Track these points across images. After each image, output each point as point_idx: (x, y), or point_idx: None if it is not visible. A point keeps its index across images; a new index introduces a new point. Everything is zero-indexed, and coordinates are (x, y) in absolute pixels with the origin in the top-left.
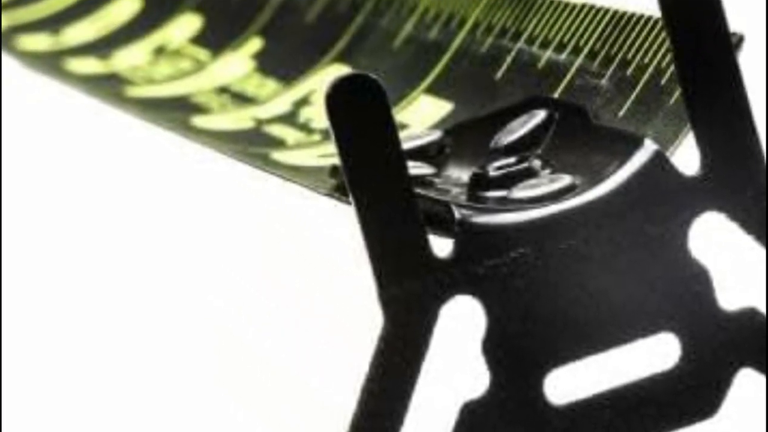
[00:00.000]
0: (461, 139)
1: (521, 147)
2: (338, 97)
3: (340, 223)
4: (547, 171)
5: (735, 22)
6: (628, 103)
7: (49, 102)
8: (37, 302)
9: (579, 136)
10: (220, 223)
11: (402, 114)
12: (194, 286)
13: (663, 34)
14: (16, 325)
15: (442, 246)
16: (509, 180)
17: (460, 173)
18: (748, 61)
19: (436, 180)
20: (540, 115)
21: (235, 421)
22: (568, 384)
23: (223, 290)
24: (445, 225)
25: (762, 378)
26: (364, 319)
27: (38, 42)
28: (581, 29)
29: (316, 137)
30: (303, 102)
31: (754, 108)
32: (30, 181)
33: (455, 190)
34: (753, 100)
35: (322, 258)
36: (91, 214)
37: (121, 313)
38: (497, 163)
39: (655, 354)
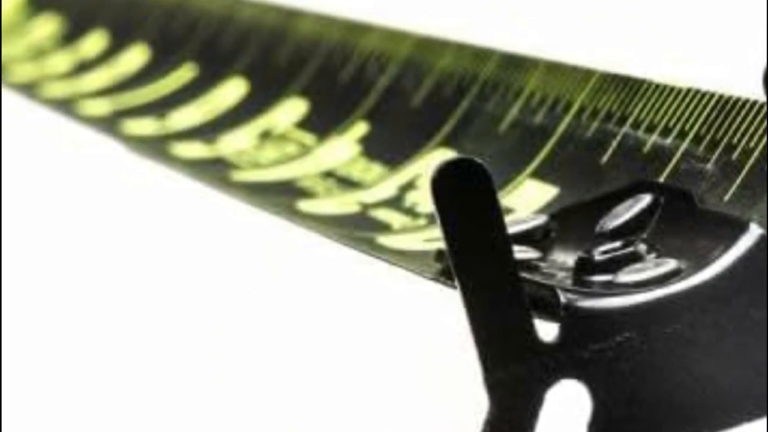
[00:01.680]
0: (567, 223)
1: (627, 231)
2: (444, 182)
3: (446, 308)
4: (653, 255)
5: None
6: (734, 187)
7: (155, 188)
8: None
9: (684, 220)
10: (326, 307)
11: (507, 198)
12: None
13: None
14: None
15: (547, 330)
16: (615, 264)
17: (566, 257)
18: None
19: (542, 264)
20: (645, 199)
21: None
22: None
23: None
24: (550, 309)
25: None
26: (470, 403)
27: (144, 126)
28: (687, 113)
29: (422, 221)
30: (408, 186)
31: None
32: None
33: (561, 275)
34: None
35: (428, 342)
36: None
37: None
38: (603, 248)
39: None
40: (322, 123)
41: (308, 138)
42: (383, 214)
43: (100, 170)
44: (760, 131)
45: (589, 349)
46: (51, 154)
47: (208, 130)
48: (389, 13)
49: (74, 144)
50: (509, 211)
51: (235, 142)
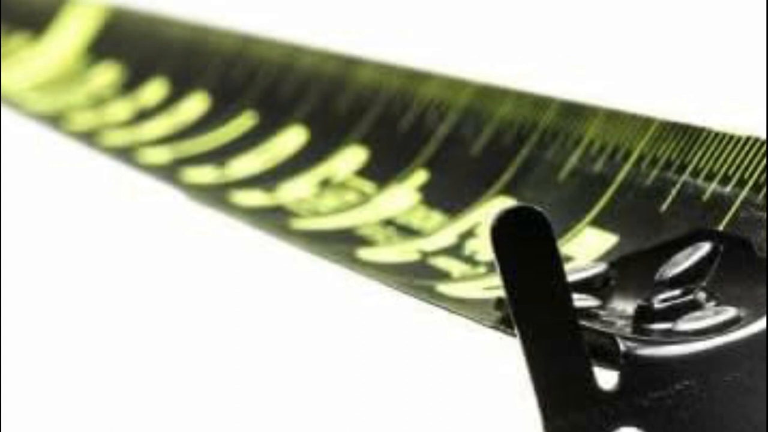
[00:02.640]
0: (626, 271)
1: (686, 279)
2: (503, 229)
3: (506, 356)
4: (712, 303)
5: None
6: None
7: (215, 237)
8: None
9: (744, 268)
10: (386, 355)
11: (567, 246)
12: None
13: None
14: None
15: (607, 378)
16: (674, 312)
17: (625, 305)
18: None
19: (601, 312)
20: (705, 247)
21: None
22: None
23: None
24: (610, 357)
25: None
26: None
27: (204, 174)
28: (746, 162)
29: (482, 269)
30: (468, 234)
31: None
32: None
33: (620, 323)
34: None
35: (487, 390)
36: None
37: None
38: (662, 296)
39: None
40: (382, 171)
41: (368, 186)
42: (443, 262)
43: (161, 218)
44: None
45: (649, 397)
46: (111, 202)
47: (268, 178)
48: (449, 62)
49: (134, 192)
50: (569, 259)
51: (295, 190)
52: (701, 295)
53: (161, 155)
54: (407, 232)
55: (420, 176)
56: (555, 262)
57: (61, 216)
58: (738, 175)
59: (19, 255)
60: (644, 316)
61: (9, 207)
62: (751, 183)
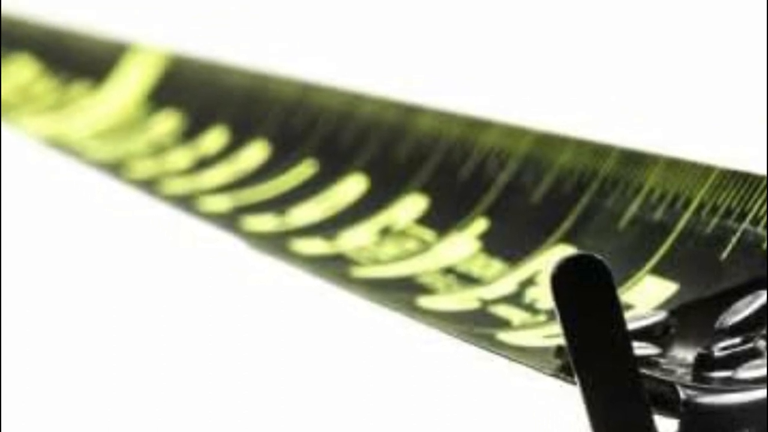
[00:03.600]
0: (686, 319)
1: (746, 327)
2: (563, 277)
3: (566, 404)
4: None
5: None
6: None
7: (276, 285)
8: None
9: None
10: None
11: (627, 294)
12: None
13: None
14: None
15: (667, 426)
16: (734, 360)
17: (685, 353)
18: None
19: (662, 360)
20: (765, 295)
21: None
22: None
23: None
24: (670, 405)
25: None
26: None
27: (264, 223)
28: None
29: (542, 318)
30: (528, 282)
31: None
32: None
33: (680, 371)
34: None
35: None
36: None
37: None
38: (722, 344)
39: None
40: (442, 219)
41: (428, 234)
42: (503, 311)
43: (221, 267)
44: None
45: None
46: (172, 250)
47: (328, 227)
48: (509, 110)
49: (194, 240)
50: (629, 307)
51: (355, 239)
52: (761, 344)
53: (221, 203)
54: (467, 280)
55: (480, 224)
56: (615, 310)
57: (123, 264)
58: None
59: (82, 302)
60: (704, 364)
61: (71, 254)
62: None
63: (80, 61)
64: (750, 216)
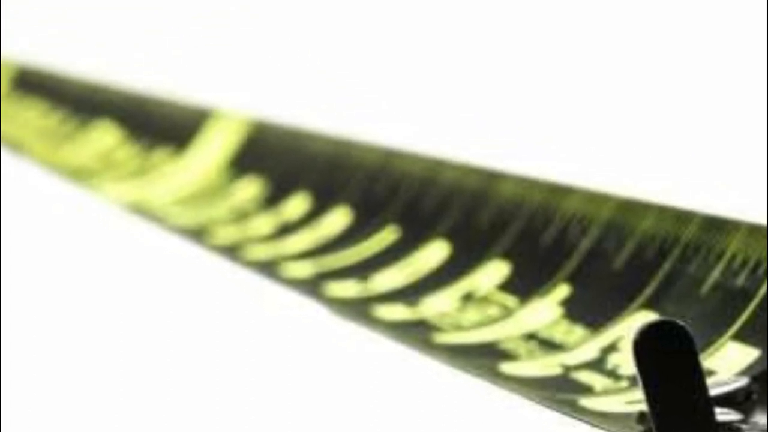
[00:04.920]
0: None
1: None
2: (645, 343)
3: None
4: None
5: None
6: None
7: (358, 350)
8: None
9: None
10: None
11: (709, 360)
12: None
13: None
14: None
15: None
16: None
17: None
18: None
19: (744, 426)
20: None
21: None
22: None
23: None
24: None
25: None
26: None
27: (347, 289)
28: None
29: (624, 383)
30: (610, 348)
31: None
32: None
33: None
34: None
35: None
36: None
37: None
38: None
39: None
40: (524, 285)
41: (510, 300)
42: (585, 376)
43: (303, 333)
44: None
45: None
46: (254, 316)
47: (410, 293)
48: (591, 176)
49: (277, 306)
50: (711, 373)
51: (437, 304)
52: None
53: (304, 269)
54: (549, 346)
55: (562, 290)
56: (697, 375)
57: (205, 330)
58: None
59: (168, 367)
60: None
61: (155, 321)
62: None
63: (162, 127)
64: None
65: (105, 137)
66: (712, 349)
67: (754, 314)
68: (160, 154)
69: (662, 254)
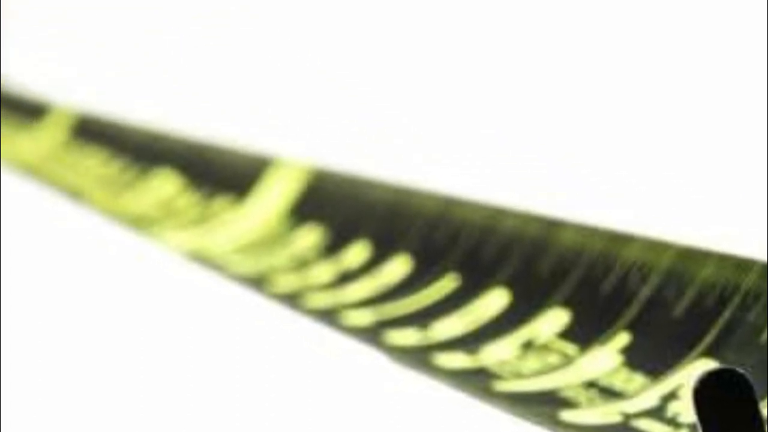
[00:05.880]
0: None
1: None
2: (705, 391)
3: None
4: None
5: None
6: None
7: (417, 398)
8: None
9: None
10: None
11: None
12: None
13: None
14: None
15: None
16: None
17: None
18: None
19: None
20: None
21: None
22: None
23: None
24: None
25: None
26: None
27: (407, 337)
28: None
29: (684, 431)
30: (671, 396)
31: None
32: None
33: None
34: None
35: None
36: None
37: None
38: None
39: None
40: (584, 333)
41: (570, 348)
42: (645, 424)
43: (364, 380)
44: None
45: None
46: (314, 363)
47: (470, 341)
48: (651, 224)
49: (337, 354)
50: None
51: (497, 352)
52: None
53: (364, 317)
54: (610, 393)
55: (622, 338)
56: (758, 424)
57: (264, 378)
58: None
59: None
60: None
61: (216, 369)
62: None
63: (223, 175)
64: None
65: (165, 185)
66: None
67: None
68: (220, 202)
69: (722, 302)
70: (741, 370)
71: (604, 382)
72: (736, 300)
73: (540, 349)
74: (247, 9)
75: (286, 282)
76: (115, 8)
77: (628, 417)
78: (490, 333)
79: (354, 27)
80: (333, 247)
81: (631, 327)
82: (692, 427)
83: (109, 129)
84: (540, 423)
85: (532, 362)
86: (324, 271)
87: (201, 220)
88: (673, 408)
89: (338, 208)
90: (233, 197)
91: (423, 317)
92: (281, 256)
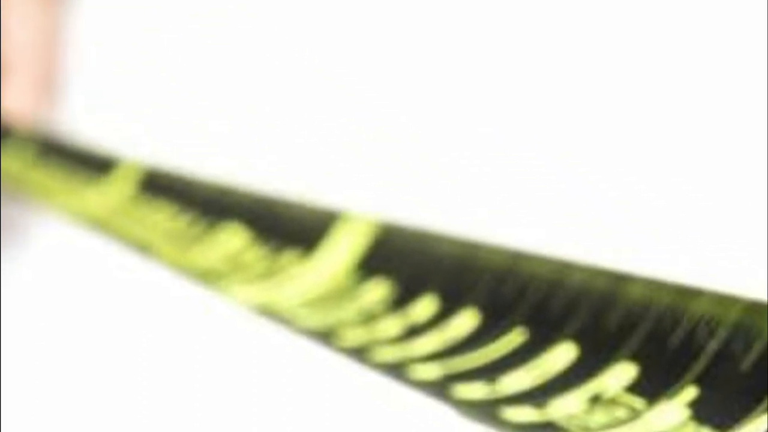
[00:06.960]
0: None
1: None
2: None
3: None
4: None
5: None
6: None
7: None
8: None
9: None
10: None
11: None
12: None
13: None
14: None
15: None
16: None
17: None
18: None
19: None
20: None
21: None
22: None
23: None
24: None
25: None
26: None
27: (475, 391)
28: None
29: None
30: None
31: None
32: None
33: None
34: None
35: None
36: None
37: None
38: None
39: None
40: (651, 387)
41: (638, 402)
42: None
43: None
44: None
45: None
46: (382, 417)
47: (538, 395)
48: (719, 278)
49: (405, 409)
50: None
51: (565, 406)
52: None
53: (431, 371)
54: None
55: (690, 392)
56: None
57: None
58: None
59: None
60: None
61: (286, 423)
62: None
63: (290, 229)
64: None
65: (233, 239)
66: None
67: None
68: (288, 256)
69: None
70: None
71: None
72: None
73: (607, 403)
74: (324, 70)
75: (354, 336)
76: (182, 62)
77: None
78: (557, 387)
79: (414, 80)
80: (401, 301)
81: (699, 381)
82: None
83: (177, 183)
84: None
85: (600, 416)
86: (392, 325)
87: (268, 274)
88: None
89: (406, 262)
90: (301, 251)
91: (491, 371)
92: (349, 310)
